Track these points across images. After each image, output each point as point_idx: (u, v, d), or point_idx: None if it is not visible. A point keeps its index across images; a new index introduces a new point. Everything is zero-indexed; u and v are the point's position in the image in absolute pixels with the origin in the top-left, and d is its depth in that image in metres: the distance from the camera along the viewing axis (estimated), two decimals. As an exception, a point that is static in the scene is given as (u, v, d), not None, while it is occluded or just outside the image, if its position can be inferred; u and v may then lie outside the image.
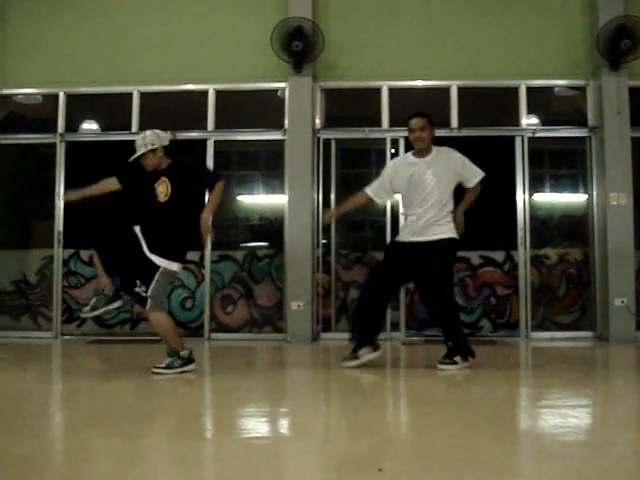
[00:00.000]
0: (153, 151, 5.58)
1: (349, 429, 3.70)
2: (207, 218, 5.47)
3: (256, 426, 3.88)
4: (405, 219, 6.05)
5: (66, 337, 8.73)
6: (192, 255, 8.84)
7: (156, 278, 5.38)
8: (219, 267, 8.88)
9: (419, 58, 8.77)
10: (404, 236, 5.89)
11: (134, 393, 4.96)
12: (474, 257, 8.69)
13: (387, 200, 6.98)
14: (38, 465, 2.90)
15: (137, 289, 5.42)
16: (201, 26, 8.98)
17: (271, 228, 9.20)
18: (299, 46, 8.32)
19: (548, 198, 9.11)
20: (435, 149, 5.88)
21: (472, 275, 8.69)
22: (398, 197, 6.34)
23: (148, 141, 5.58)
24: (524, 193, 8.52)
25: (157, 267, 5.39)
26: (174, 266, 5.47)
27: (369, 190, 6.04)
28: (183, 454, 3.07)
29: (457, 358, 5.68)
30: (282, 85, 8.78)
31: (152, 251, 5.39)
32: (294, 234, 8.50)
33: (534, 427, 3.87)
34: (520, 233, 8.49)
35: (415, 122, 5.83)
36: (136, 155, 5.59)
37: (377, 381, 5.51)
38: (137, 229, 5.47)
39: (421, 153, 5.86)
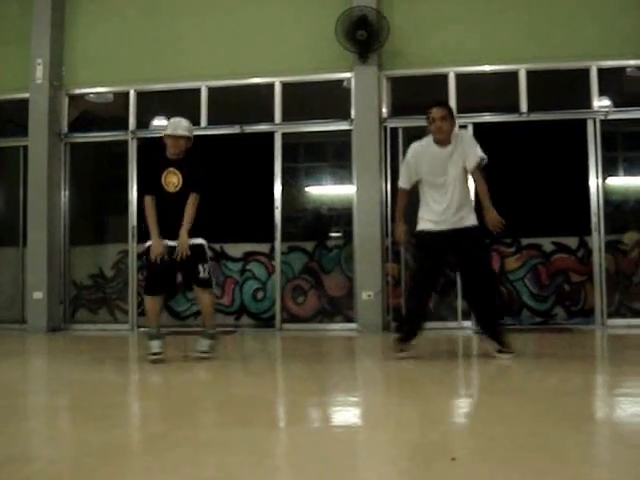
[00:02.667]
0: (189, 140, 5.91)
1: (421, 418, 3.69)
2: (184, 236, 5.71)
3: (328, 415, 3.91)
4: (427, 206, 5.78)
5: (142, 329, 8.93)
6: (262, 247, 8.97)
7: (207, 258, 5.86)
8: (289, 258, 8.95)
9: (485, 42, 8.63)
10: (433, 225, 5.71)
11: (208, 383, 5.05)
12: (546, 244, 8.52)
13: None
14: (118, 453, 2.98)
15: (202, 275, 5.79)
16: (266, 19, 9.04)
17: (340, 218, 9.22)
18: (364, 35, 8.30)
19: (622, 182, 8.87)
20: (453, 138, 5.74)
21: (544, 262, 8.53)
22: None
23: (192, 130, 6.00)
24: (597, 177, 8.31)
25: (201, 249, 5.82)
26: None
27: (405, 185, 5.89)
28: (256, 443, 3.12)
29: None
30: (348, 75, 8.77)
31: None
32: (363, 224, 8.50)
33: (611, 416, 3.79)
34: (594, 218, 8.29)
35: (436, 111, 5.70)
36: (180, 132, 5.85)
37: (449, 370, 5.48)
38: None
39: (442, 143, 5.72)
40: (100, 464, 2.80)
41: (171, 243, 5.73)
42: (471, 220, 5.67)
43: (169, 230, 5.74)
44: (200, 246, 5.82)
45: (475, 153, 5.63)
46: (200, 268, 5.76)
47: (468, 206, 5.73)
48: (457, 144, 5.71)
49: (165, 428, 3.55)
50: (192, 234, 5.76)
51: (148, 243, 5.81)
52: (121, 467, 2.78)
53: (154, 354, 5.70)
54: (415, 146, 5.93)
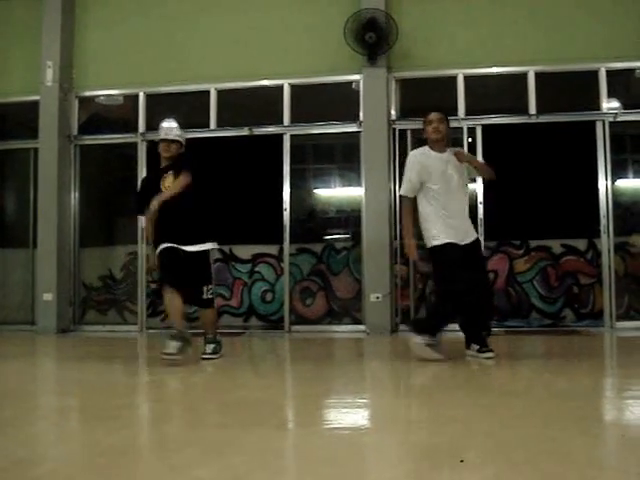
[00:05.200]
0: (181, 145, 6.08)
1: (429, 420, 3.69)
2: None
3: (337, 417, 3.92)
4: (441, 216, 5.73)
5: (151, 330, 8.97)
6: (270, 249, 8.99)
7: (210, 275, 6.05)
8: (298, 260, 8.97)
9: (494, 44, 8.62)
10: (452, 236, 5.70)
11: (216, 385, 5.07)
12: (555, 246, 8.52)
13: None
14: (128, 454, 3.00)
15: (204, 296, 5.97)
16: (274, 21, 9.07)
17: (348, 220, 9.23)
18: (373, 37, 8.31)
19: (632, 184, 8.86)
20: (449, 150, 5.93)
21: (553, 264, 8.52)
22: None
23: (184, 136, 6.19)
24: (606, 179, 8.29)
25: (206, 258, 5.94)
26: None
27: (409, 194, 5.87)
28: (264, 445, 3.13)
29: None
30: (356, 77, 8.79)
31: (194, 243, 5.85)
32: (371, 226, 8.51)
33: (620, 419, 3.79)
34: (603, 220, 8.27)
35: (434, 115, 5.88)
36: (171, 136, 6.00)
37: (457, 372, 5.48)
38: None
39: (439, 147, 5.83)
40: (110, 465, 2.81)
41: (185, 248, 5.80)
42: (475, 233, 5.92)
43: (175, 234, 5.80)
44: (205, 255, 5.93)
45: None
46: (204, 289, 5.94)
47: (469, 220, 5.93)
48: (451, 156, 5.87)
49: (174, 429, 3.57)
50: (198, 239, 5.86)
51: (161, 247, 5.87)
52: (131, 468, 2.80)
53: (166, 354, 5.56)
54: (415, 153, 5.99)
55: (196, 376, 5.42)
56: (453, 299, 5.60)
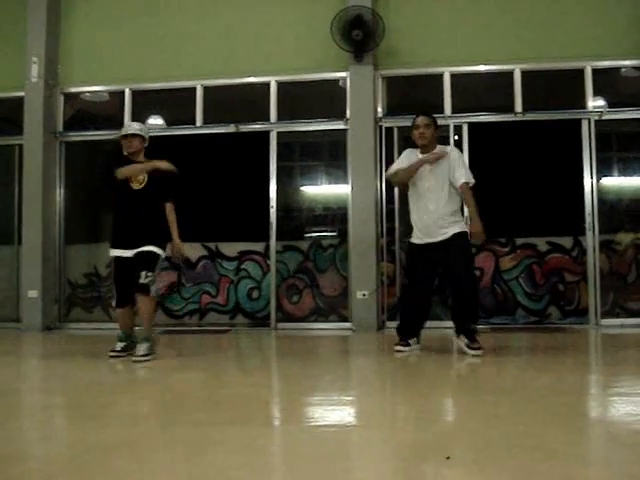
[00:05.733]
0: (143, 139, 6.14)
1: (415, 417, 3.70)
2: (180, 243, 6.11)
3: (323, 414, 3.92)
4: (416, 216, 6.07)
5: (136, 328, 8.91)
6: (257, 246, 8.98)
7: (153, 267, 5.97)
8: (284, 257, 8.96)
9: (481, 42, 8.64)
10: (418, 238, 6.06)
11: (202, 382, 5.05)
12: (541, 243, 8.55)
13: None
14: (112, 452, 2.98)
15: (141, 280, 5.89)
16: (261, 18, 9.05)
17: (335, 218, 9.23)
18: (359, 35, 8.30)
19: (617, 182, 8.89)
20: (438, 147, 6.06)
21: (539, 262, 8.55)
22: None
23: (145, 130, 6.25)
24: (591, 177, 8.33)
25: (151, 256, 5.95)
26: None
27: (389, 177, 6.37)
28: (251, 442, 3.12)
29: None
30: (343, 75, 8.78)
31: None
32: (358, 223, 8.51)
33: (605, 415, 3.81)
34: (588, 218, 8.31)
35: (421, 119, 6.03)
36: (131, 131, 6.11)
37: (442, 370, 5.49)
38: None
39: (425, 150, 6.01)
40: (95, 463, 2.80)
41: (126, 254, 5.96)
42: (456, 229, 5.90)
43: (131, 229, 5.95)
44: (151, 253, 5.93)
45: (464, 173, 5.91)
46: (142, 274, 5.86)
47: (454, 217, 5.95)
48: (444, 158, 5.97)
49: (159, 427, 3.56)
50: (148, 240, 5.90)
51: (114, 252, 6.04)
52: (116, 466, 2.79)
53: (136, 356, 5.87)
54: (407, 150, 6.24)
55: (181, 373, 5.40)
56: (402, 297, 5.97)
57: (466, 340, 5.85)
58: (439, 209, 5.89)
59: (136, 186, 5.99)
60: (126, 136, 6.09)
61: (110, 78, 9.27)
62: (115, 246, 6.02)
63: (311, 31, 8.81)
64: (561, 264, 8.53)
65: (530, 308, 8.52)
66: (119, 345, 6.10)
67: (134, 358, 5.83)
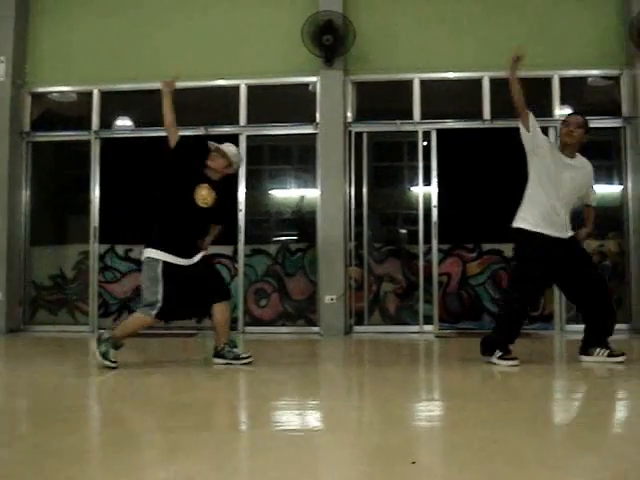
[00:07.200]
0: (231, 166, 5.95)
1: (382, 422, 3.71)
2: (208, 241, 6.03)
3: (289, 419, 3.92)
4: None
5: (102, 331, 8.83)
6: (225, 249, 8.93)
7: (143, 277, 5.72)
8: (252, 261, 8.93)
9: (450, 50, 8.70)
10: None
11: (170, 386, 5.02)
12: (507, 249, 8.61)
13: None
14: (77, 457, 2.96)
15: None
16: (232, 21, 9.02)
17: (303, 222, 9.23)
18: (330, 40, 8.32)
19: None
20: (578, 156, 5.95)
21: (505, 267, 8.63)
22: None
23: (240, 163, 6.31)
24: (558, 184, 8.41)
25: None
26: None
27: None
28: (217, 447, 3.11)
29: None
30: (313, 79, 8.79)
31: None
32: (326, 228, 8.52)
33: (568, 420, 3.85)
34: (554, 225, 8.38)
35: (574, 118, 5.83)
36: (228, 155, 5.89)
37: (410, 374, 5.52)
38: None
39: (567, 150, 5.84)
40: (59, 467, 2.77)
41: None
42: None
43: (192, 242, 5.80)
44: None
45: (593, 190, 6.00)
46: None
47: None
48: (583, 166, 5.86)
49: (126, 431, 3.53)
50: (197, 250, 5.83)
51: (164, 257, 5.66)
52: (80, 470, 2.76)
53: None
54: (551, 141, 6.17)
55: (147, 377, 5.36)
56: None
57: (606, 350, 5.74)
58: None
59: (202, 204, 5.76)
60: (229, 160, 5.91)
61: (78, 78, 9.17)
62: (171, 252, 5.64)
63: (282, 35, 8.81)
64: (527, 270, 8.59)
65: (496, 314, 8.58)
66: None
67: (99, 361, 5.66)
